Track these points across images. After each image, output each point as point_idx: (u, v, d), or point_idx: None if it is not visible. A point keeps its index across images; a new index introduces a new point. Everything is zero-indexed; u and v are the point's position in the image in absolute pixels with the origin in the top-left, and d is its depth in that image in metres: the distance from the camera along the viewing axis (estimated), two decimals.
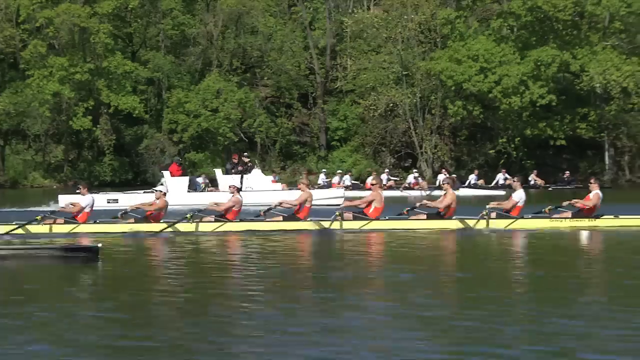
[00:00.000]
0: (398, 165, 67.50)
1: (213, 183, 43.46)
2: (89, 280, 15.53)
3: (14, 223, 23.82)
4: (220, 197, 29.49)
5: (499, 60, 60.78)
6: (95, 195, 25.89)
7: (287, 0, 74.70)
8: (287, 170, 67.96)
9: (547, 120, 62.28)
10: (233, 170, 41.94)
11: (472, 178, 54.77)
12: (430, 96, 65.52)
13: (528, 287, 14.01)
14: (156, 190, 26.05)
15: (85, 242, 21.02)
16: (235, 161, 43.26)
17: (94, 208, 24.84)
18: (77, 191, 28.78)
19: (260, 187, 39.64)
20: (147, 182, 58.68)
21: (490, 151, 64.17)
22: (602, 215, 24.13)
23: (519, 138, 62.74)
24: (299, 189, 25.58)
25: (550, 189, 52.51)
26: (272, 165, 67.48)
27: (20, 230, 23.34)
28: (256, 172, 42.29)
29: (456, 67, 61.02)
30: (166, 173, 42.02)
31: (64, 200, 32.86)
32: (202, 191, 41.29)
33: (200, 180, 43.87)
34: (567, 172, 56.58)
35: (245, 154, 47.29)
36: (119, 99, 63.23)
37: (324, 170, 57.75)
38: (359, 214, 24.31)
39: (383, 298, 12.64)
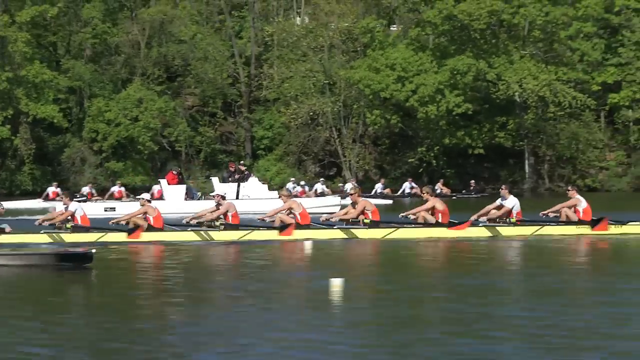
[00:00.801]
0: (322, 174, 67.18)
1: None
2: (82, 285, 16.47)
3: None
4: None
5: (417, 69, 60.72)
6: (92, 204, 27.62)
7: (213, 9, 74.17)
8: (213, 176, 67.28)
9: (466, 129, 62.21)
10: (230, 179, 42.81)
11: (378, 187, 54.71)
12: (352, 105, 65.37)
13: None
14: (216, 195, 26.72)
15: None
16: (232, 169, 44.23)
17: (88, 216, 25.62)
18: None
19: (257, 195, 40.52)
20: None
21: (410, 160, 63.96)
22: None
23: (438, 147, 62.62)
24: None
25: (454, 197, 52.30)
26: (196, 174, 67.15)
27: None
28: (252, 180, 43.25)
29: (374, 75, 60.79)
30: (163, 182, 42.67)
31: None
32: (198, 199, 41.34)
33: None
34: (473, 181, 56.69)
35: (242, 162, 48.41)
36: (38, 108, 62.27)
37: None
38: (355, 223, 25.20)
39: None
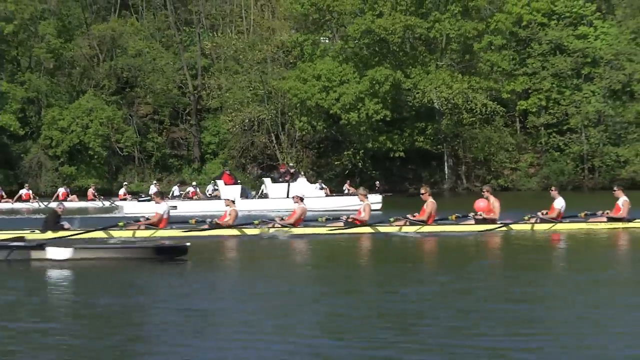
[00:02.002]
0: (264, 176, 71.39)
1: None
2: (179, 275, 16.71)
3: (100, 228, 24.86)
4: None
5: (340, 79, 64.16)
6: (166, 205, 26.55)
7: (163, 25, 78.68)
8: (164, 181, 71.55)
9: (388, 134, 66.19)
10: (280, 179, 44.62)
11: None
12: (288, 112, 69.60)
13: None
14: (295, 197, 27.03)
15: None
16: (283, 170, 46.29)
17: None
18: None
19: (306, 194, 41.43)
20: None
21: (336, 162, 68.19)
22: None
23: (363, 150, 66.73)
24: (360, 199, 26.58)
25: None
26: (150, 177, 71.59)
27: (102, 234, 24.32)
28: (301, 180, 45.00)
29: (301, 85, 64.53)
30: (220, 182, 44.43)
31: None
32: (252, 199, 43.42)
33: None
34: (378, 182, 60.53)
35: (291, 164, 50.79)
36: None
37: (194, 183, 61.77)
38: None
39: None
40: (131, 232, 24.71)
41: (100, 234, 24.13)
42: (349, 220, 25.68)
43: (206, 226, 25.46)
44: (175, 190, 55.58)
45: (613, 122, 66.30)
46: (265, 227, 25.27)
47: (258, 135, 70.97)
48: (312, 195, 41.68)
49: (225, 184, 43.53)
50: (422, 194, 25.76)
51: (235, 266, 19.30)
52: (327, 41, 70.94)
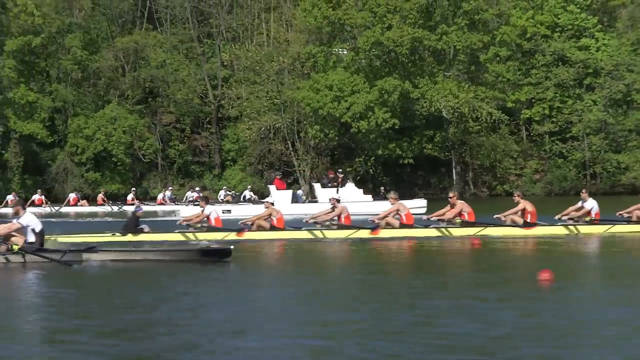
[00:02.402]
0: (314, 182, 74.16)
1: None
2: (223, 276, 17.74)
3: (176, 231, 26.70)
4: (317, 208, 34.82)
5: (351, 89, 66.37)
6: (211, 207, 27.85)
7: (185, 37, 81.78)
8: (186, 186, 74.40)
9: (397, 141, 68.67)
10: (329, 184, 46.69)
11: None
12: (302, 121, 72.22)
13: None
14: (332, 199, 28.61)
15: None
16: (332, 176, 48.20)
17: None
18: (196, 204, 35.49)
19: (353, 199, 43.15)
20: (58, 199, 64.92)
21: (348, 169, 70.73)
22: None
23: (373, 157, 69.29)
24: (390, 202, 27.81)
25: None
26: (172, 183, 74.63)
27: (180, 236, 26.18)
28: (349, 185, 47.15)
29: (314, 95, 67.01)
30: (272, 187, 46.52)
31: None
32: (302, 203, 45.57)
33: (300, 192, 49.82)
34: (383, 187, 62.72)
35: (340, 170, 52.03)
36: (24, 126, 70.06)
37: (224, 187, 65.36)
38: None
39: None
40: (191, 234, 26.34)
41: (178, 237, 26.01)
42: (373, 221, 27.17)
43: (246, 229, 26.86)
44: (189, 195, 58.97)
45: (613, 130, 68.40)
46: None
47: (275, 142, 73.61)
48: (360, 200, 43.94)
49: (277, 189, 45.65)
50: (451, 197, 27.14)
51: (284, 267, 20.26)
52: (345, 52, 73.12)
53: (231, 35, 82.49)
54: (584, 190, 28.72)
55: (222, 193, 62.20)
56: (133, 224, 26.31)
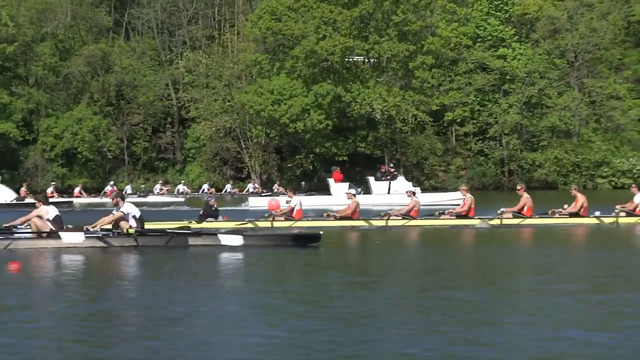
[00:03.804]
0: (236, 176, 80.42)
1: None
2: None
3: (245, 220, 28.22)
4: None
5: (290, 93, 71.95)
6: (297, 198, 29.63)
7: (150, 46, 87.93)
8: (151, 180, 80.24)
9: (334, 140, 74.27)
10: (382, 178, 49.49)
11: (227, 187, 68.42)
12: (252, 122, 77.90)
13: None
14: (408, 191, 31.35)
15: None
16: (384, 170, 51.30)
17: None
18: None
19: (404, 191, 45.05)
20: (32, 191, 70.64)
21: (289, 165, 76.58)
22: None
23: (312, 155, 75.02)
24: (462, 193, 29.80)
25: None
26: (138, 177, 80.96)
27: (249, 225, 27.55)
28: (400, 178, 50.07)
29: (257, 99, 72.68)
30: (330, 180, 49.43)
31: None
32: (358, 194, 48.95)
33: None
34: (303, 182, 67.60)
35: (391, 165, 56.35)
36: None
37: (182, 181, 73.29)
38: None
39: None
40: (269, 222, 28.09)
41: (249, 225, 27.54)
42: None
43: (332, 218, 28.65)
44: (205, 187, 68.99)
45: (527, 131, 73.94)
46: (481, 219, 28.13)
47: (227, 141, 79.48)
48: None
49: (335, 182, 48.64)
50: (518, 189, 29.05)
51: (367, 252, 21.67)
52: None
53: (194, 44, 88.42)
54: (634, 185, 29.82)
55: (180, 187, 69.30)
56: (207, 213, 27.80)
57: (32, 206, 23.48)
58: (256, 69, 77.56)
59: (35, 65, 79.85)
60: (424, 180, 75.47)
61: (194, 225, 25.86)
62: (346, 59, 73.70)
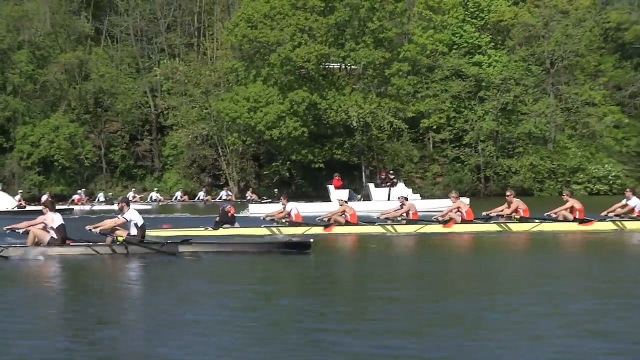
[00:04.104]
0: (214, 184, 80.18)
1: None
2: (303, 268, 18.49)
3: (262, 226, 28.29)
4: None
5: (266, 100, 71.68)
6: (292, 204, 29.69)
7: (126, 54, 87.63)
8: (129, 188, 79.88)
9: (310, 147, 73.90)
10: (382, 185, 49.78)
11: (200, 195, 68.20)
12: (228, 129, 77.59)
13: None
14: (400, 197, 30.77)
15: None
16: (383, 177, 51.47)
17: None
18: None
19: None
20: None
21: (265, 172, 76.26)
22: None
23: (289, 162, 74.74)
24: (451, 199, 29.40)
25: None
26: (116, 185, 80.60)
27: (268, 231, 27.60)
28: (400, 185, 50.16)
29: (233, 106, 72.48)
30: (330, 187, 49.66)
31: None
32: (357, 201, 47.42)
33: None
34: (277, 189, 67.47)
35: (391, 171, 56.01)
36: None
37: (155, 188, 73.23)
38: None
39: None
40: (275, 229, 27.88)
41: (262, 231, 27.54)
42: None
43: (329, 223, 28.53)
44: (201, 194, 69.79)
45: (503, 138, 73.79)
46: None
47: (205, 149, 79.20)
48: (410, 199, 47.01)
49: (335, 188, 48.96)
50: (508, 195, 28.95)
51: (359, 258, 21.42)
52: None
53: (173, 52, 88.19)
54: (628, 189, 29.39)
55: (153, 194, 68.92)
56: (224, 219, 27.89)
57: (32, 214, 23.15)
58: (232, 76, 77.21)
59: (12, 73, 79.41)
60: None
61: (210, 232, 26.30)
62: (322, 66, 73.21)
